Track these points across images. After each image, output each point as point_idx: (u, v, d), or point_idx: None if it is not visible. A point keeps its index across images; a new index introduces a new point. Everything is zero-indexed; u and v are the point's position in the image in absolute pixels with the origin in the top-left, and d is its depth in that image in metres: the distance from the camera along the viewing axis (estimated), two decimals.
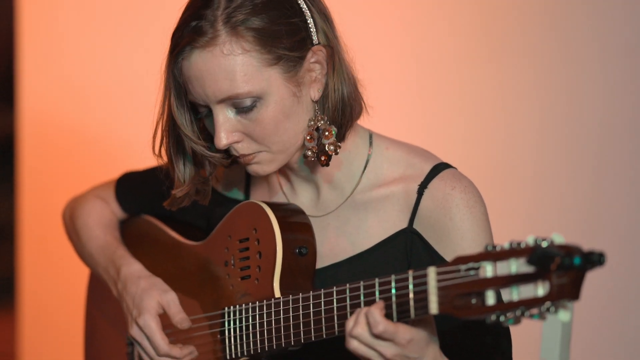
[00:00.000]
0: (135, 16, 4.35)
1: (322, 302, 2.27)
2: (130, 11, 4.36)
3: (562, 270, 1.89)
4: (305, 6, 2.38)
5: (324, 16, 2.41)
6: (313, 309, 2.28)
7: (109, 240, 2.78)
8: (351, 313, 2.20)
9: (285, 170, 2.54)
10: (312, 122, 2.39)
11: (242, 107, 2.35)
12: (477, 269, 2.00)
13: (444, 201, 2.38)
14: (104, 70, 4.38)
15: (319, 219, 2.50)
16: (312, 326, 2.29)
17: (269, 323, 2.38)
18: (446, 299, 2.04)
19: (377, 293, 2.16)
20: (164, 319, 2.57)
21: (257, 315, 2.41)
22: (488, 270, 1.98)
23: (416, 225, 2.41)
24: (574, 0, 3.80)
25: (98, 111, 4.40)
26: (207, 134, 2.46)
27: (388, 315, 2.13)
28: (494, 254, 1.98)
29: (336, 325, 2.24)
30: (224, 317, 2.48)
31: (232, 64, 2.32)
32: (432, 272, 2.07)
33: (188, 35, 2.33)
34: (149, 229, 2.79)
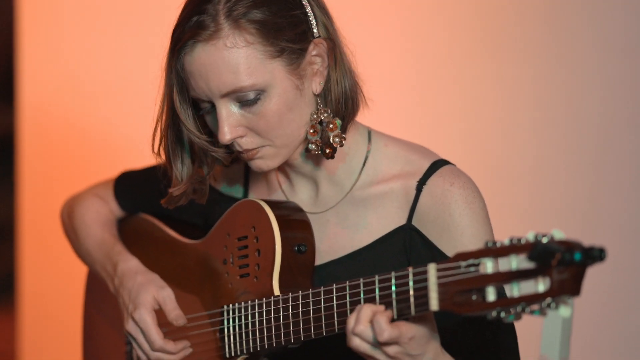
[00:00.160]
0: (135, 14, 4.35)
1: (322, 300, 2.26)
2: (130, 9, 4.35)
3: (563, 265, 1.89)
4: None
5: (323, 10, 2.41)
6: (313, 306, 2.28)
7: (107, 237, 2.77)
8: (351, 310, 2.19)
9: (284, 168, 2.54)
10: (315, 115, 2.39)
11: (246, 100, 2.34)
12: (477, 265, 1.99)
13: (443, 197, 2.38)
14: (103, 68, 4.38)
15: (318, 215, 2.50)
16: (311, 324, 2.28)
17: (269, 321, 2.38)
18: (446, 295, 2.03)
19: (377, 290, 2.15)
20: (161, 317, 2.56)
21: (257, 313, 2.40)
22: (488, 266, 1.98)
23: (415, 222, 2.40)
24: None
25: (98, 110, 4.40)
26: (208, 131, 2.45)
27: None
28: (494, 250, 1.97)
29: (336, 322, 2.23)
30: (223, 315, 2.48)
31: (236, 57, 2.32)
32: (432, 269, 2.07)
33: (190, 30, 2.32)
34: (148, 227, 2.79)
